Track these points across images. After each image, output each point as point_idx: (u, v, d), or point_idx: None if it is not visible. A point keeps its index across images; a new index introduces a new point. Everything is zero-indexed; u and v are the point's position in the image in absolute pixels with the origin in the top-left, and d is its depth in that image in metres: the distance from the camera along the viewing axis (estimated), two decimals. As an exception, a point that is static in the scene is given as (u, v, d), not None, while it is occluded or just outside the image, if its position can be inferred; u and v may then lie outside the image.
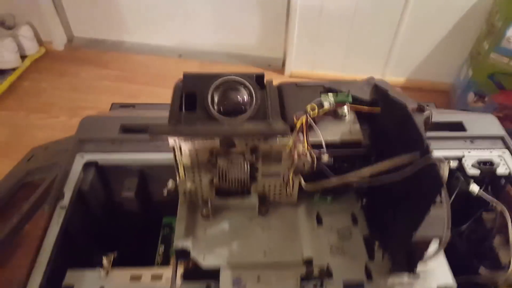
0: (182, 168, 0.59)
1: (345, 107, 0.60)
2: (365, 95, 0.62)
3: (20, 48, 1.75)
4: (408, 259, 0.53)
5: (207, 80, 0.62)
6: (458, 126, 0.82)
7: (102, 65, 1.83)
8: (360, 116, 0.60)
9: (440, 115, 0.86)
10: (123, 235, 0.79)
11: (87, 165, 0.76)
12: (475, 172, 0.71)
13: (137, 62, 1.85)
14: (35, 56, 1.83)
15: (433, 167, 0.42)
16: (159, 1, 1.75)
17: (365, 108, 0.59)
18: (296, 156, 0.54)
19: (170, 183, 0.61)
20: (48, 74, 1.78)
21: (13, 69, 1.71)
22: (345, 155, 0.57)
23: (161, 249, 0.65)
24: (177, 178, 0.60)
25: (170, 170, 0.62)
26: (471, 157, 0.74)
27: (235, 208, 0.63)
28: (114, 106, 1.50)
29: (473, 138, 0.79)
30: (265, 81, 0.64)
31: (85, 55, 1.90)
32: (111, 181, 0.79)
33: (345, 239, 0.58)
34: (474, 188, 0.69)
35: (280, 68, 1.79)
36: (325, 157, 0.54)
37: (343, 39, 1.58)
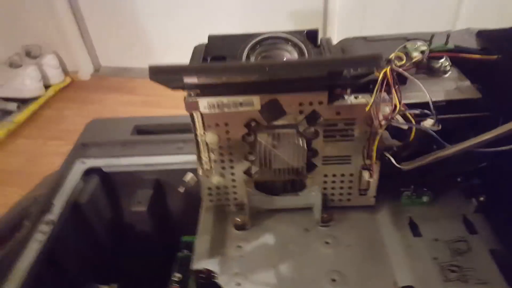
0: (206, 153, 0.40)
1: (444, 59, 0.40)
2: (468, 45, 0.43)
3: (44, 77, 1.68)
4: None
5: (240, 40, 0.45)
6: None
7: (127, 91, 1.74)
8: (465, 72, 0.41)
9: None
10: (129, 262, 0.60)
11: (89, 172, 0.59)
12: None
13: (163, 87, 1.73)
14: (60, 86, 1.76)
15: None
16: (185, 23, 1.66)
17: (477, 56, 0.40)
18: (381, 122, 0.35)
19: (189, 176, 0.42)
20: (71, 103, 1.70)
21: (36, 98, 1.63)
22: (458, 119, 0.37)
23: (176, 277, 0.45)
24: (199, 170, 0.41)
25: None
26: None
27: (283, 213, 0.43)
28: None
29: None
30: (319, 39, 0.46)
31: (111, 83, 1.82)
32: (118, 192, 0.62)
33: (461, 256, 0.37)
34: None
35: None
36: (429, 122, 0.35)
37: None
